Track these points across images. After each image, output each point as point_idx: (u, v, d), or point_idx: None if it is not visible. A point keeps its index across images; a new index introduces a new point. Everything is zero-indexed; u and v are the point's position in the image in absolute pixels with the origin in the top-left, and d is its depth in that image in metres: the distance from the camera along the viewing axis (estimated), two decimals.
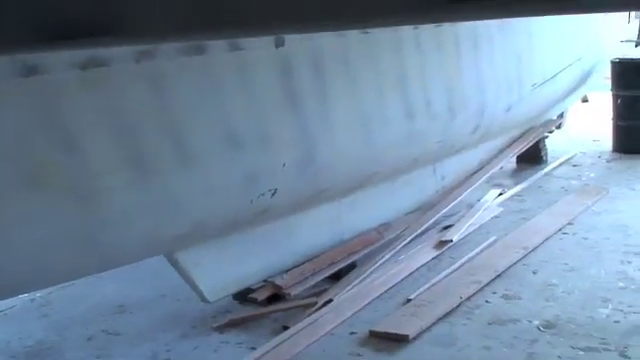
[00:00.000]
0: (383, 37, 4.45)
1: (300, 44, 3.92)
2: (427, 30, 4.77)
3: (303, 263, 4.53)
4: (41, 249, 2.97)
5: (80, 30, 1.22)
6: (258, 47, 3.71)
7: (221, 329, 4.03)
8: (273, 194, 3.93)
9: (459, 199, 5.83)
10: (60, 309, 4.51)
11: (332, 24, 1.31)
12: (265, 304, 4.24)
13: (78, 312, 4.44)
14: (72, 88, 2.95)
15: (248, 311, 4.21)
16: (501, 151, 6.73)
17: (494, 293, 4.32)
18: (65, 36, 1.23)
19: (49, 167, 2.91)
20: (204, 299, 3.99)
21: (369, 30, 4.27)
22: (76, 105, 2.98)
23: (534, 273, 4.62)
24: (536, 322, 3.92)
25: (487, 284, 4.42)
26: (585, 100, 10.30)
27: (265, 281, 4.34)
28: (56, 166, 2.93)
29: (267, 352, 3.66)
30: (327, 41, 4.06)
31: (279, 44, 3.81)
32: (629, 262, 4.72)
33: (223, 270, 4.06)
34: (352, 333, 3.91)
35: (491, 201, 6.06)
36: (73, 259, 3.17)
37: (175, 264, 3.83)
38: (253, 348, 3.77)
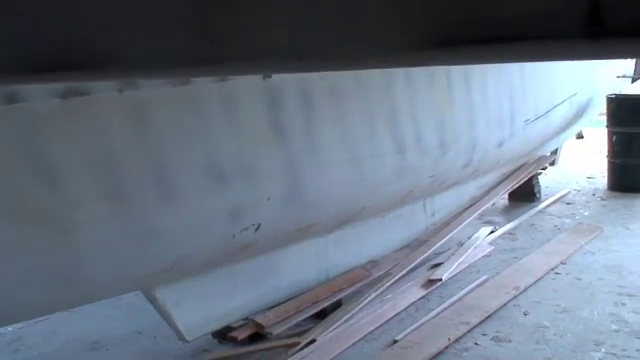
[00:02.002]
0: (374, 70, 4.50)
1: (288, 76, 3.96)
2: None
3: (286, 301, 4.52)
4: (15, 282, 2.96)
5: (56, 64, 1.24)
6: (245, 78, 3.75)
7: None
8: (257, 229, 3.94)
9: (449, 236, 5.85)
10: (32, 345, 4.48)
11: (321, 65, 1.34)
12: (246, 343, 4.23)
13: (51, 348, 4.41)
14: (52, 117, 2.96)
15: (228, 351, 4.20)
16: (493, 188, 6.79)
17: (484, 335, 4.33)
18: (42, 68, 1.24)
19: (27, 198, 2.91)
20: (182, 338, 3.97)
21: None
22: (56, 135, 2.99)
23: (525, 314, 4.64)
24: None
25: (477, 325, 4.43)
26: (580, 136, 10.42)
27: (246, 319, 4.33)
28: (34, 197, 2.93)
29: None
30: (316, 74, 4.11)
31: (267, 75, 3.85)
32: (623, 304, 4.74)
33: (203, 307, 4.05)
34: None
35: (482, 239, 6.09)
36: (48, 293, 3.15)
37: (153, 301, 3.82)
38: None
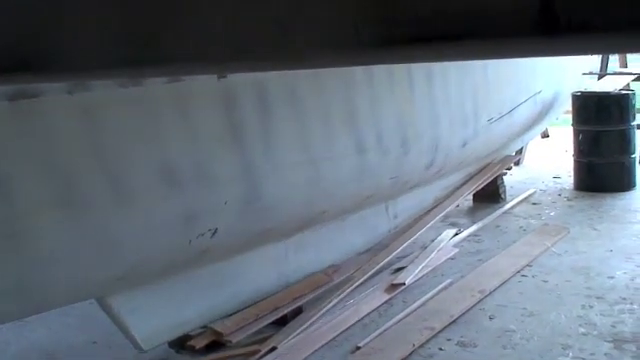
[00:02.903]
0: (332, 69, 4.55)
1: (243, 75, 3.99)
2: None
3: (246, 308, 4.57)
4: None
5: (5, 64, 1.27)
6: (199, 78, 3.78)
7: None
8: (213, 234, 3.97)
9: (412, 239, 5.93)
10: None
11: (268, 64, 1.39)
12: (204, 352, 4.27)
13: (3, 359, 4.40)
14: None
15: None
16: (457, 188, 6.88)
17: (449, 340, 4.40)
18: None
19: None
20: (138, 347, 4.00)
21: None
22: (4, 139, 3.01)
23: (491, 318, 4.71)
24: None
25: (441, 330, 4.50)
26: (545, 135, 10.59)
27: (204, 327, 4.37)
28: None
29: None
30: (273, 73, 4.15)
31: (221, 75, 3.88)
32: (591, 306, 4.83)
33: (159, 316, 4.07)
34: None
35: (446, 241, 6.17)
36: None
37: (107, 309, 3.84)
38: None
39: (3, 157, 3.01)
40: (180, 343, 4.30)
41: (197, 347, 4.24)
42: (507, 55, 1.23)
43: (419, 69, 5.27)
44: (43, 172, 3.13)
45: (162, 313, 4.10)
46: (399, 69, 5.11)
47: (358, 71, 4.75)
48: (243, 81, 4.00)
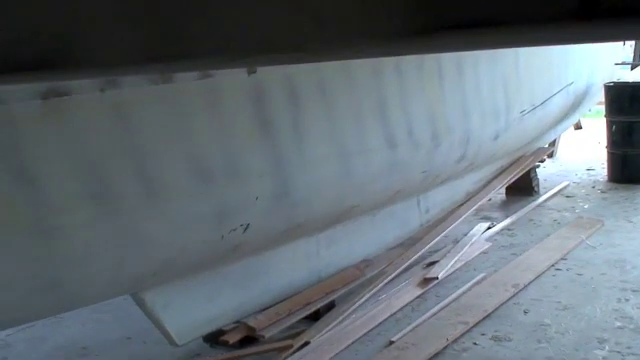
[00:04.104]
0: (362, 62, 4.54)
1: (274, 70, 3.99)
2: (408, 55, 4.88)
3: (278, 303, 4.58)
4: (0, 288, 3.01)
5: (37, 61, 1.26)
6: (229, 74, 3.78)
7: None
8: (245, 229, 3.98)
9: (445, 233, 5.92)
10: (20, 352, 4.56)
11: (300, 56, 1.38)
12: (237, 347, 4.29)
13: (39, 355, 4.48)
14: (32, 119, 3.00)
15: (219, 354, 4.25)
16: (489, 182, 6.85)
17: (483, 334, 4.38)
18: (20, 67, 1.27)
19: (7, 203, 2.95)
20: (172, 342, 4.03)
21: None
22: (36, 137, 3.03)
23: (525, 313, 4.69)
24: None
25: (475, 325, 4.49)
26: (578, 127, 10.49)
27: (237, 322, 4.39)
28: (15, 202, 2.97)
29: None
30: (303, 67, 4.14)
31: (251, 70, 3.88)
32: (627, 300, 4.80)
33: (193, 311, 4.10)
34: None
35: (479, 235, 6.15)
36: (34, 299, 3.21)
37: (142, 305, 3.88)
38: None
39: (37, 155, 3.04)
40: (214, 338, 4.33)
41: (231, 342, 4.26)
42: (547, 42, 1.21)
43: (450, 61, 5.24)
44: (76, 169, 3.15)
45: (196, 308, 4.13)
46: (429, 61, 5.08)
47: (388, 64, 4.74)
48: (273, 76, 4.00)
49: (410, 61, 4.89)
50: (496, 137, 6.02)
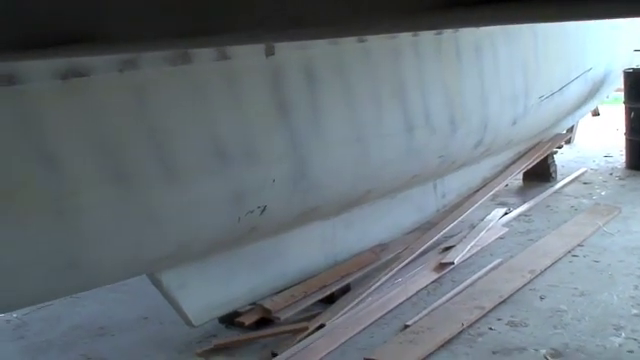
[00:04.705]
0: (380, 45, 4.52)
1: (292, 53, 3.98)
2: (427, 38, 4.85)
3: (294, 285, 4.59)
4: (18, 268, 3.02)
5: (57, 38, 1.25)
6: (247, 56, 3.77)
7: (207, 355, 4.10)
8: (262, 211, 3.98)
9: (461, 218, 5.90)
10: (37, 331, 4.60)
11: (323, 31, 1.35)
12: (253, 328, 4.31)
13: (56, 334, 4.52)
14: (52, 99, 3.01)
15: (235, 336, 4.27)
16: (507, 167, 6.82)
17: (499, 320, 4.37)
18: (41, 44, 1.26)
19: (26, 182, 2.96)
20: (189, 323, 4.05)
21: (365, 38, 4.33)
22: (55, 117, 3.04)
23: (541, 298, 4.68)
24: (543, 351, 3.97)
25: (491, 310, 4.47)
26: (596, 113, 10.40)
27: (253, 304, 4.40)
28: (33, 181, 2.98)
29: None
30: (320, 50, 4.13)
31: (269, 53, 3.87)
32: None
33: (209, 292, 4.12)
34: None
35: (495, 221, 6.12)
36: (51, 278, 3.22)
37: (158, 285, 3.89)
38: None
39: (56, 135, 3.04)
40: (230, 319, 4.35)
41: (246, 323, 4.28)
42: (575, 17, 1.18)
43: (468, 45, 5.20)
44: (94, 150, 3.16)
45: (212, 289, 4.14)
46: (448, 45, 5.05)
47: (406, 48, 4.71)
48: (291, 58, 3.98)
49: (428, 45, 4.86)
50: (514, 123, 5.98)
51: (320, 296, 4.58)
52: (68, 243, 3.18)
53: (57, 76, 3.01)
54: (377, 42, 4.46)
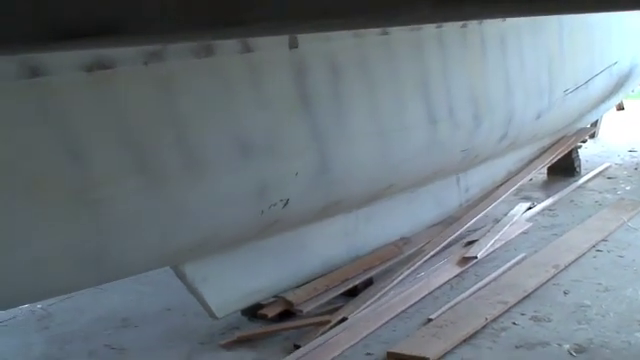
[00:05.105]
0: (403, 38, 4.49)
1: (315, 45, 3.98)
2: (451, 31, 4.81)
3: (316, 278, 4.59)
4: (42, 259, 3.04)
5: (85, 30, 1.25)
6: (270, 48, 3.77)
7: (229, 346, 4.11)
8: (285, 204, 3.98)
9: (484, 213, 5.87)
10: (61, 321, 4.64)
11: (346, 22, 1.34)
12: (275, 321, 4.31)
13: (80, 325, 4.56)
14: (77, 91, 3.02)
15: (258, 328, 4.28)
16: (530, 162, 6.77)
17: (522, 314, 4.35)
18: (69, 36, 1.26)
19: (51, 174, 2.97)
20: (212, 315, 4.06)
21: (389, 30, 4.31)
22: (80, 109, 3.04)
23: (565, 293, 4.64)
24: (567, 346, 3.94)
25: (514, 305, 4.44)
26: (621, 108, 10.31)
27: (276, 297, 4.41)
28: (59, 173, 2.99)
29: None
30: (344, 43, 4.12)
31: (293, 45, 3.87)
32: None
33: (232, 284, 4.12)
34: (368, 354, 3.95)
35: (519, 215, 6.08)
36: (75, 270, 3.24)
37: (182, 277, 3.91)
38: None
39: (81, 127, 3.05)
40: (252, 312, 4.35)
41: (269, 316, 4.28)
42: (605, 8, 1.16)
43: (493, 37, 5.16)
44: (119, 142, 3.17)
45: (235, 282, 4.15)
46: (472, 37, 5.01)
47: (430, 41, 4.68)
48: (314, 51, 3.98)
49: (453, 38, 4.84)
50: (538, 117, 5.94)
51: (343, 289, 4.58)
52: (94, 235, 3.19)
53: (82, 68, 3.01)
54: (400, 34, 4.44)
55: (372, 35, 4.26)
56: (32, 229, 2.96)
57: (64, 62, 2.97)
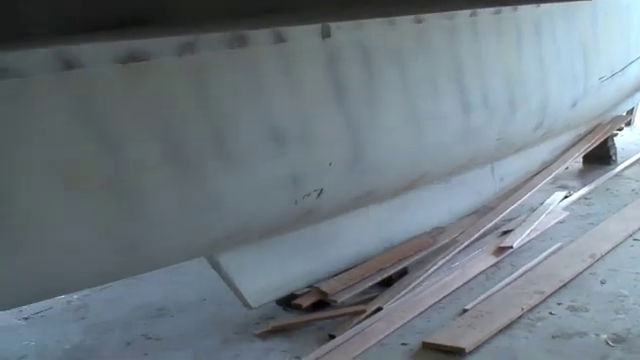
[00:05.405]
0: (437, 26, 4.46)
1: (348, 34, 3.97)
2: (485, 17, 4.77)
3: (351, 268, 4.57)
4: (78, 250, 3.07)
5: (116, 22, 1.26)
6: (303, 38, 3.76)
7: (264, 336, 4.12)
8: (319, 194, 3.98)
9: (520, 202, 5.82)
10: (98, 312, 4.69)
11: (380, 10, 1.33)
12: (310, 311, 4.30)
13: (116, 315, 4.60)
14: (111, 83, 3.04)
15: (292, 318, 4.28)
16: (566, 150, 6.70)
17: (559, 304, 4.30)
18: (103, 27, 1.27)
19: (86, 165, 2.99)
20: (247, 304, 4.07)
21: (422, 18, 4.29)
22: (115, 100, 3.07)
23: (602, 283, 4.59)
24: (604, 336, 3.89)
25: (551, 294, 4.40)
26: None
27: (310, 287, 4.40)
28: (94, 164, 3.02)
29: None
30: (377, 31, 4.10)
31: (325, 35, 3.86)
32: None
33: (266, 274, 4.13)
34: (403, 344, 3.94)
35: (555, 204, 6.03)
36: (111, 260, 3.26)
37: (217, 267, 3.92)
38: (298, 357, 3.83)
39: (116, 119, 3.07)
40: (287, 301, 4.36)
41: (304, 306, 4.28)
42: None
43: (527, 24, 5.11)
44: (153, 133, 3.19)
45: (269, 272, 4.16)
46: (506, 24, 4.97)
47: (464, 29, 4.65)
48: (347, 40, 3.97)
49: (487, 25, 4.80)
50: (574, 104, 5.88)
51: (377, 279, 4.56)
52: (129, 225, 3.21)
53: (116, 60, 3.03)
54: (434, 22, 4.41)
55: (405, 23, 4.24)
56: (67, 220, 2.99)
57: (98, 54, 2.99)
